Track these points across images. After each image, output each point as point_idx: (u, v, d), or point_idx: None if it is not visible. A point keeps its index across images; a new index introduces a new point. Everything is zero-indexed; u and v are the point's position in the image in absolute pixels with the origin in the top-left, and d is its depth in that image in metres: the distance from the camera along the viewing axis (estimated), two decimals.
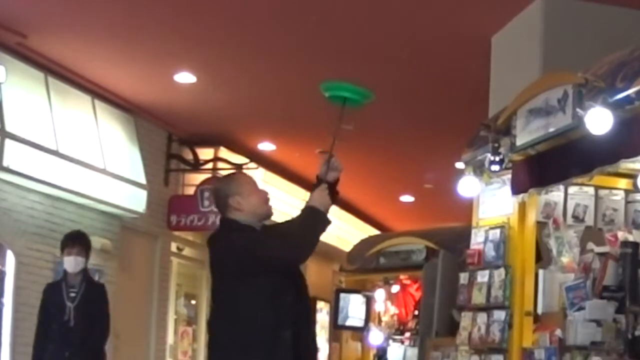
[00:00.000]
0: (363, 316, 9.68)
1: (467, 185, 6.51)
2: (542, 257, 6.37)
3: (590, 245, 6.00)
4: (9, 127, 8.77)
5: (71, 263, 7.54)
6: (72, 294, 7.45)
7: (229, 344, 4.63)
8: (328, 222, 4.72)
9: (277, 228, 4.82)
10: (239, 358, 4.61)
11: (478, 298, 6.44)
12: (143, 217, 11.14)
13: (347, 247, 12.96)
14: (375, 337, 9.23)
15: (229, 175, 5.25)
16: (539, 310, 6.15)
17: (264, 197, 4.84)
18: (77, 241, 7.63)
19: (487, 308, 6.34)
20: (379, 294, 9.49)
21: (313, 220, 4.69)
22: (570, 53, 7.00)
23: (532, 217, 6.26)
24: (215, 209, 11.67)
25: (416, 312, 9.09)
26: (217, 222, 13.88)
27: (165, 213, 12.02)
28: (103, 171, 10.23)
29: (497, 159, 6.01)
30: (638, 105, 4.86)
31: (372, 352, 9.58)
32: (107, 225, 10.73)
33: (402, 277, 9.34)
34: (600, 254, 5.78)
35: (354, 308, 9.82)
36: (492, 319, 6.26)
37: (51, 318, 7.44)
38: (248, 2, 8.03)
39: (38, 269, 9.53)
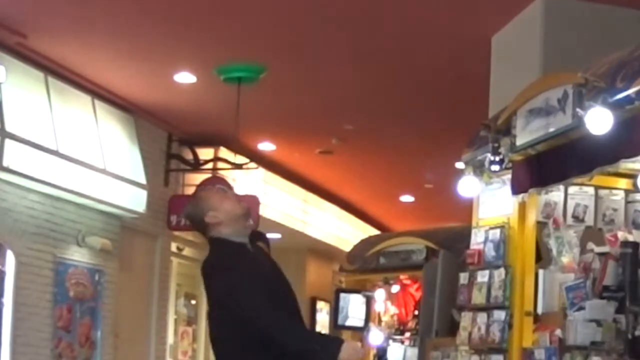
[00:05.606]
0: (363, 316, 9.69)
1: (467, 185, 6.50)
2: (542, 257, 6.37)
3: (590, 245, 6.01)
4: (9, 127, 8.76)
5: None
6: None
7: None
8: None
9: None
10: None
11: (478, 298, 6.44)
12: (143, 217, 11.13)
13: (347, 247, 12.95)
14: (375, 337, 9.23)
15: (193, 197, 5.13)
16: (539, 310, 6.15)
17: (233, 198, 4.74)
18: None
19: (487, 308, 6.33)
20: (379, 294, 9.50)
21: (315, 346, 4.49)
22: (570, 53, 7.00)
23: (532, 217, 6.26)
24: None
25: (416, 312, 9.10)
26: None
27: (165, 213, 12.00)
28: (103, 171, 10.22)
29: (497, 159, 6.01)
30: (638, 105, 4.85)
31: (372, 352, 9.59)
32: (107, 225, 10.71)
33: (402, 277, 9.36)
34: (600, 254, 5.78)
35: (354, 308, 9.83)
36: (492, 319, 6.26)
37: None
38: (248, 2, 8.03)
39: (38, 269, 9.52)
